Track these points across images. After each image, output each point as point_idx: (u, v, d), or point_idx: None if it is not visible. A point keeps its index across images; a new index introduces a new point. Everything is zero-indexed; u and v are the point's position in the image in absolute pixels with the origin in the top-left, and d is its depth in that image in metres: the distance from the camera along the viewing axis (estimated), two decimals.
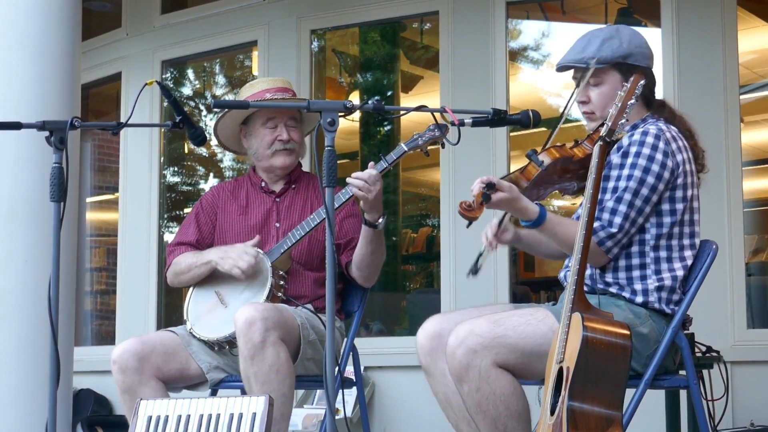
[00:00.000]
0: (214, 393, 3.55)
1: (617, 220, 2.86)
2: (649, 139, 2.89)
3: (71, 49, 4.28)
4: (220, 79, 7.65)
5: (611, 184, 2.90)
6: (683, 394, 4.21)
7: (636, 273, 2.92)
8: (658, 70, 4.97)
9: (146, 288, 6.59)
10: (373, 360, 5.49)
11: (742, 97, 5.15)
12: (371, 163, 3.40)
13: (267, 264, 3.50)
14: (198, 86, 7.62)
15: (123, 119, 6.42)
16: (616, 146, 2.91)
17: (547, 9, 6.46)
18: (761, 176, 7.25)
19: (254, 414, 2.75)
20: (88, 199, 7.76)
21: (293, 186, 3.74)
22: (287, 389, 3.23)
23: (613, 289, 2.93)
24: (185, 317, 3.56)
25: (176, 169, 7.53)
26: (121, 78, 6.93)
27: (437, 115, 2.97)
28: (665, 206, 2.93)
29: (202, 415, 2.81)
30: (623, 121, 2.65)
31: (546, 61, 6.84)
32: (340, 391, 3.48)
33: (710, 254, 2.97)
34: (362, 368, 3.85)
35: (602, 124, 2.74)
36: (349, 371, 3.71)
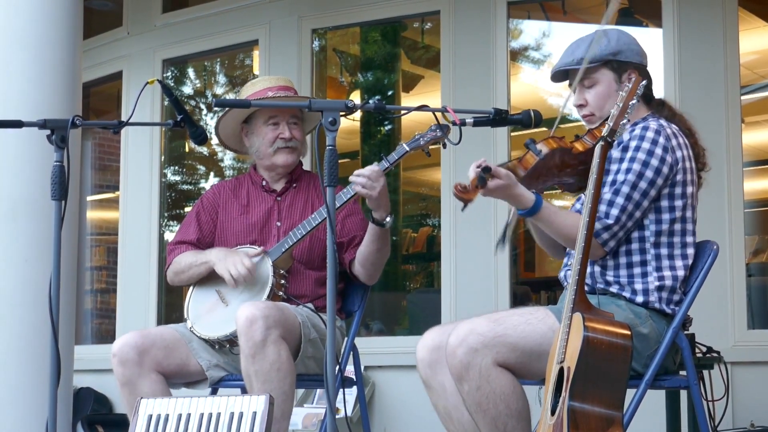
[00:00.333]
0: (214, 392, 3.55)
1: (614, 211, 2.87)
2: (650, 134, 2.90)
3: (72, 47, 4.28)
4: (221, 78, 7.65)
5: (610, 177, 2.91)
6: (683, 394, 4.20)
7: (637, 270, 2.92)
8: (659, 70, 5.00)
9: (146, 287, 6.59)
10: (373, 359, 5.49)
11: (743, 97, 5.16)
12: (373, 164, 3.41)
13: (268, 263, 3.50)
14: (199, 85, 7.62)
15: (124, 118, 6.45)
16: (616, 141, 2.91)
17: (548, 9, 6.46)
18: (762, 177, 7.26)
19: (255, 413, 2.75)
20: (89, 198, 7.76)
21: (294, 185, 3.74)
22: (288, 388, 3.23)
23: (614, 289, 2.93)
24: (186, 316, 3.56)
25: (177, 167, 7.54)
26: (122, 77, 6.93)
27: (438, 114, 2.97)
28: (664, 203, 2.93)
29: (202, 414, 2.81)
30: (624, 121, 2.66)
31: (547, 61, 6.84)
32: (341, 390, 3.49)
33: (711, 255, 2.97)
34: (362, 367, 3.85)
35: (604, 122, 2.74)
36: (350, 370, 3.71)
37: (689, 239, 2.97)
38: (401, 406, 5.54)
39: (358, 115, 6.98)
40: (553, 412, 2.54)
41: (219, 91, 7.57)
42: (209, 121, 7.31)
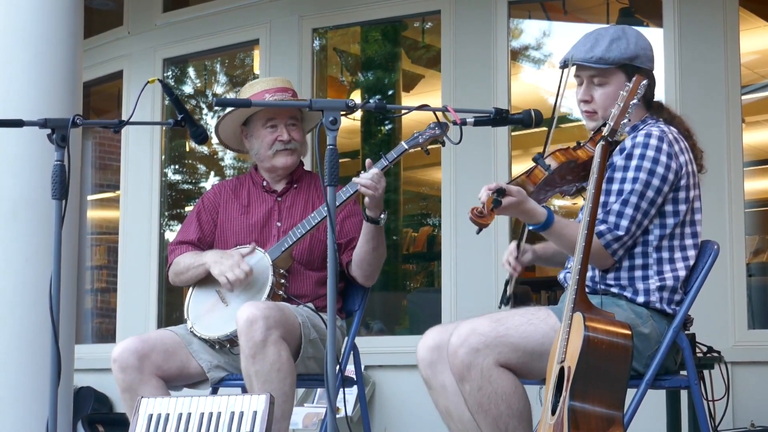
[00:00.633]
0: (214, 391, 3.55)
1: (624, 223, 2.86)
2: (653, 141, 2.89)
3: (73, 47, 4.28)
4: (222, 78, 7.65)
5: (615, 186, 2.90)
6: (684, 394, 4.21)
7: (638, 273, 2.92)
8: (659, 70, 4.98)
9: (147, 286, 6.59)
10: (374, 359, 5.49)
11: (743, 97, 5.15)
12: (368, 161, 3.41)
13: (268, 262, 3.49)
14: (199, 85, 7.62)
15: (124, 117, 6.44)
16: (618, 148, 2.91)
17: (549, 8, 6.46)
18: (762, 177, 7.25)
19: (255, 412, 2.75)
20: (89, 197, 7.76)
21: (295, 185, 3.73)
22: (288, 388, 3.23)
23: (615, 290, 2.93)
24: (186, 316, 3.56)
25: (177, 167, 7.53)
26: (123, 76, 6.93)
27: (439, 114, 2.97)
28: (668, 207, 2.92)
29: (202, 414, 2.81)
30: (625, 121, 2.65)
31: (548, 60, 6.84)
32: (341, 389, 3.49)
33: (711, 255, 2.97)
34: (363, 367, 3.85)
35: (604, 125, 2.73)
36: (350, 370, 3.71)
37: (691, 241, 2.96)
38: (401, 406, 5.54)
39: (358, 114, 6.98)
40: (553, 412, 2.54)
41: (219, 90, 7.57)
42: (210, 121, 7.31)
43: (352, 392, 3.90)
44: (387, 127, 7.34)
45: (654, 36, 5.26)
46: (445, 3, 5.77)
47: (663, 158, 2.88)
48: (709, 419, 3.81)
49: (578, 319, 2.51)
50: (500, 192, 2.75)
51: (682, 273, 2.93)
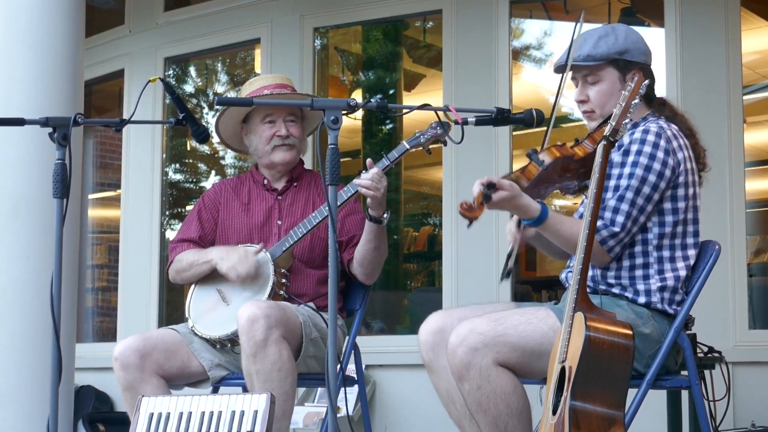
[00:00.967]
0: (215, 390, 3.55)
1: (620, 219, 2.86)
2: (650, 137, 2.89)
3: (74, 45, 4.28)
4: (223, 77, 7.65)
5: (612, 183, 2.90)
6: (685, 394, 4.21)
7: (639, 272, 2.92)
8: (660, 70, 4.98)
9: (147, 285, 6.59)
10: (374, 358, 5.49)
11: (745, 97, 5.15)
12: (369, 161, 3.41)
13: (269, 262, 3.50)
14: (200, 84, 7.62)
15: (126, 116, 6.42)
16: (616, 144, 2.91)
17: (550, 8, 6.46)
18: (763, 177, 7.25)
19: (256, 411, 2.76)
20: (90, 196, 7.76)
21: (295, 184, 3.74)
22: (289, 387, 3.23)
23: (616, 290, 2.93)
24: (187, 315, 3.56)
25: (178, 166, 7.54)
26: (124, 75, 6.93)
27: (440, 113, 2.98)
28: (667, 205, 2.92)
29: (203, 413, 2.81)
30: (627, 120, 2.65)
31: (549, 60, 6.84)
32: (342, 389, 3.49)
33: (713, 255, 2.97)
34: (363, 366, 3.85)
35: (604, 123, 2.73)
36: (351, 369, 3.71)
37: (691, 240, 2.96)
38: (402, 405, 5.54)
39: (359, 114, 6.98)
40: (554, 412, 2.54)
41: (221, 89, 7.57)
42: (211, 120, 7.31)
43: (352, 391, 3.90)
44: (388, 127, 7.34)
45: (655, 36, 5.26)
46: (446, 2, 5.77)
47: (660, 154, 2.88)
48: (709, 419, 3.81)
49: (579, 319, 2.51)
50: (491, 186, 2.75)
51: (683, 273, 2.93)
